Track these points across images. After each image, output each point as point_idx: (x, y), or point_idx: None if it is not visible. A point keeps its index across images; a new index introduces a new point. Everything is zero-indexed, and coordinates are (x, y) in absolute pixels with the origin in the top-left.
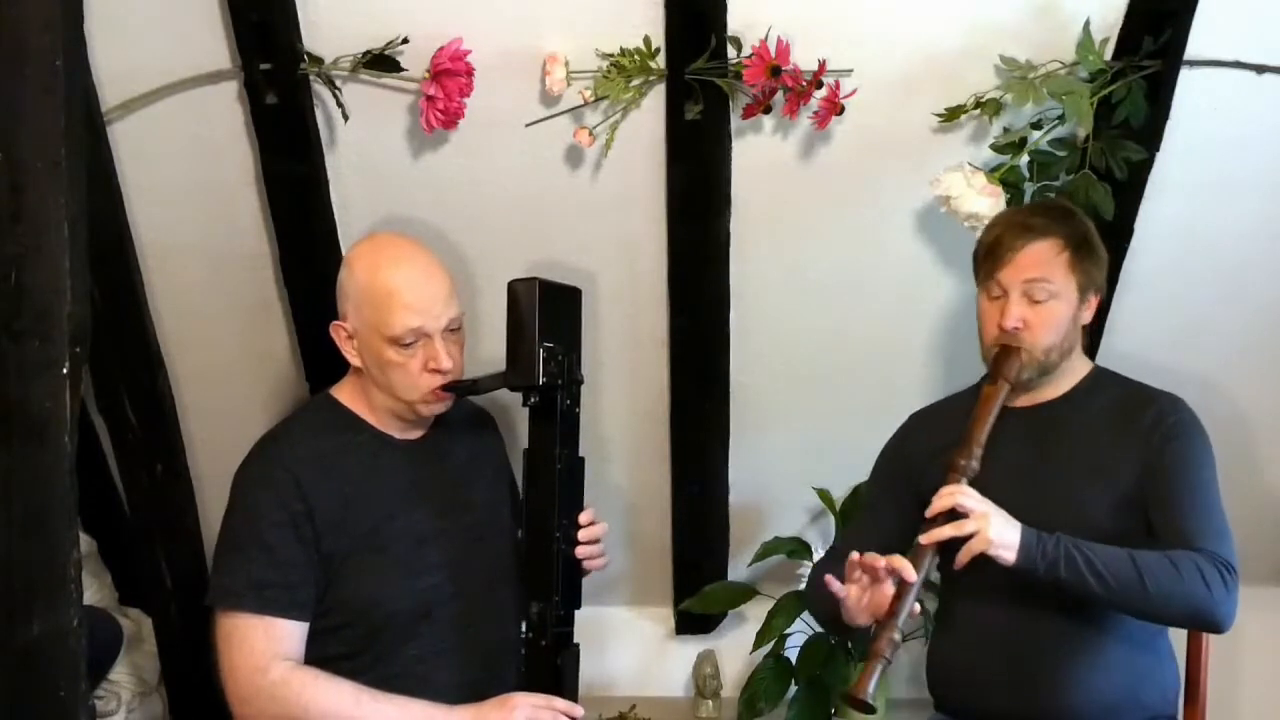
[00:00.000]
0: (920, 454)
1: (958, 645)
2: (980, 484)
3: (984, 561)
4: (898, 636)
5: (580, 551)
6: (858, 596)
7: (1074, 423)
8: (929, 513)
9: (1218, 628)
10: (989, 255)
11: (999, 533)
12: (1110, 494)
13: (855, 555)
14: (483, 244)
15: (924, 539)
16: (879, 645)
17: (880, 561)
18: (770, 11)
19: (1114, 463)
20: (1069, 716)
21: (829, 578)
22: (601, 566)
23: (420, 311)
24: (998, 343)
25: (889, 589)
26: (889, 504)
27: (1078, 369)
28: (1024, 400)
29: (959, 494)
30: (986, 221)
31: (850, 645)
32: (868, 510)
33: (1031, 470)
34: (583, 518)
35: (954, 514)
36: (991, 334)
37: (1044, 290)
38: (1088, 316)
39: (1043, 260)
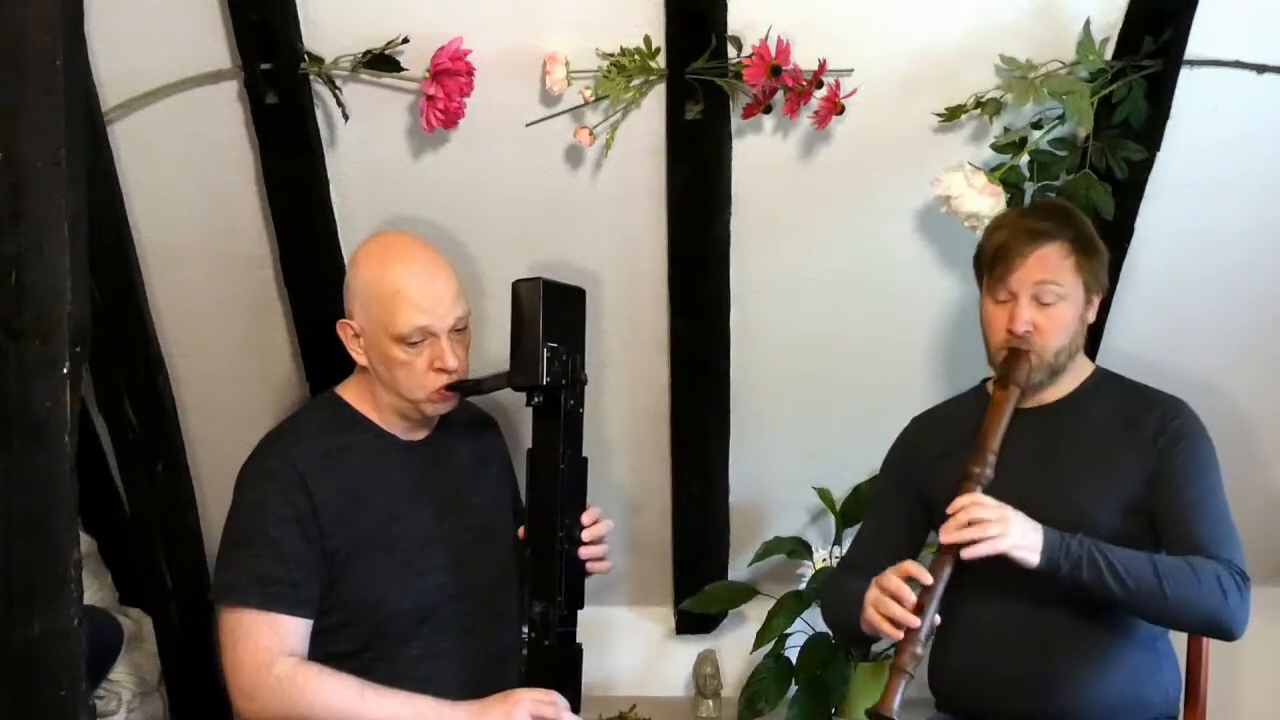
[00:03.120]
0: (924, 458)
1: (960, 645)
2: (987, 486)
3: (988, 562)
4: (920, 650)
5: (583, 553)
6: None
7: (1079, 425)
8: (944, 532)
9: (1230, 636)
10: (996, 260)
11: (1021, 536)
12: (1116, 497)
13: (882, 580)
14: (483, 244)
15: (944, 539)
16: (902, 660)
17: (904, 589)
18: (770, 11)
19: (1120, 466)
20: (1071, 716)
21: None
22: (605, 570)
23: (427, 310)
24: (1006, 346)
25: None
26: (897, 510)
27: (1081, 370)
28: (1029, 402)
29: (975, 505)
30: (987, 221)
31: (851, 650)
32: (877, 518)
33: (1038, 472)
34: (586, 517)
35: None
36: (1000, 338)
37: (1053, 293)
38: (1092, 316)
39: (1052, 264)
